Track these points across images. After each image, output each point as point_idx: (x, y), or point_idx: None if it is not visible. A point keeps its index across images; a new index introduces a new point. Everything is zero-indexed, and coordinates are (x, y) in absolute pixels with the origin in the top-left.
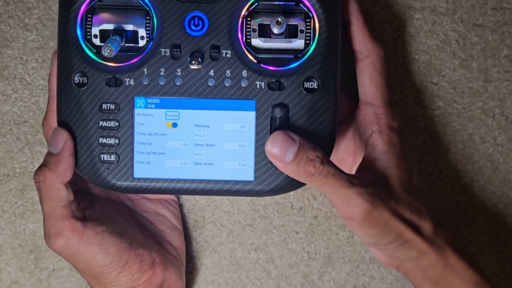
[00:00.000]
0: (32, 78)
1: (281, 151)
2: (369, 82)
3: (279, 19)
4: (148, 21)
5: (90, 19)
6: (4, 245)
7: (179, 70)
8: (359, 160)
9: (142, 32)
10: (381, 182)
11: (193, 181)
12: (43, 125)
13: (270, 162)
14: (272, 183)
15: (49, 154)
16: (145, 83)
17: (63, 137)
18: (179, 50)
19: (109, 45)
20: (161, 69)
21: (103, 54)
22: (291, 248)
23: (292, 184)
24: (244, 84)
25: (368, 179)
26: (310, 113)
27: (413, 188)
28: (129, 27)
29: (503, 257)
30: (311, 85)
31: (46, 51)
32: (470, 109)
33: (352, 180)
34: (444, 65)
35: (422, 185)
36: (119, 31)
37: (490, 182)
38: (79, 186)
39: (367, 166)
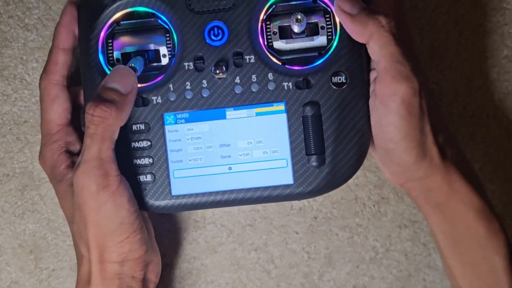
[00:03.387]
0: (32, 78)
1: (351, 5)
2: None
3: (299, 16)
4: (168, 38)
5: (111, 44)
6: (4, 245)
7: (204, 81)
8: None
9: (163, 50)
10: None
11: (232, 191)
12: (42, 77)
13: (308, 162)
14: (312, 183)
15: (114, 91)
16: (173, 99)
17: (134, 80)
18: (202, 61)
19: (133, 64)
20: (187, 83)
21: None
22: (291, 248)
23: (332, 183)
24: (271, 87)
25: None
26: (341, 107)
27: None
28: (150, 46)
29: None
30: (339, 79)
31: (46, 51)
32: (470, 109)
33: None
34: (444, 65)
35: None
36: (140, 52)
37: (490, 182)
38: None
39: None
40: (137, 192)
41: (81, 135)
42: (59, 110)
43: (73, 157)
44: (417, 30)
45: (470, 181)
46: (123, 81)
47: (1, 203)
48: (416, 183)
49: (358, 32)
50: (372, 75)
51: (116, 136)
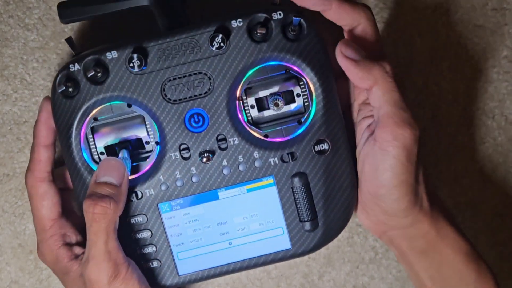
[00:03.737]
0: (33, 78)
1: (354, 51)
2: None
3: (278, 102)
4: (148, 126)
5: (92, 139)
6: (4, 245)
7: (193, 168)
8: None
9: (145, 138)
10: None
11: (236, 263)
12: (27, 176)
13: (303, 228)
14: (310, 244)
15: (108, 184)
16: (164, 189)
17: (124, 169)
18: (187, 150)
19: (123, 160)
20: (176, 172)
21: None
22: None
23: (327, 240)
24: (258, 164)
25: None
26: (327, 172)
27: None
28: (132, 136)
29: (503, 257)
30: (322, 146)
31: (46, 51)
32: (470, 109)
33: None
34: (444, 65)
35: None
36: (123, 143)
37: (490, 182)
38: None
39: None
40: (147, 278)
41: (74, 221)
42: (50, 205)
43: (72, 248)
44: (417, 31)
45: (454, 225)
46: (114, 173)
47: (1, 203)
48: (399, 232)
49: (362, 77)
50: (365, 121)
51: (117, 225)
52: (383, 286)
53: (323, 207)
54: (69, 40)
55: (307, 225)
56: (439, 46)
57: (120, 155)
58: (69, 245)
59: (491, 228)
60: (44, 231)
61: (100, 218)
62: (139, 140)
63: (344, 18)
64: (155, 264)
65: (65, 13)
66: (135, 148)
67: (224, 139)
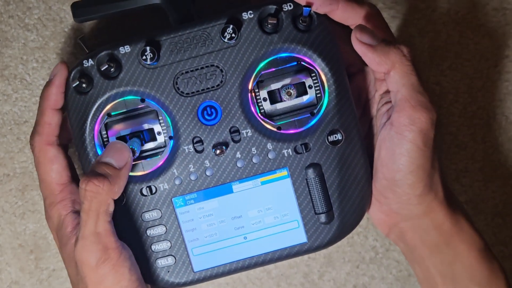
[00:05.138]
0: (33, 78)
1: (370, 36)
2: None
3: (290, 90)
4: (161, 119)
5: (106, 134)
6: (4, 245)
7: (206, 161)
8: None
9: (157, 128)
10: None
11: (251, 258)
12: (35, 140)
13: (318, 220)
14: (326, 237)
15: (107, 165)
16: (178, 183)
17: (129, 154)
18: (201, 143)
19: (131, 146)
20: (190, 165)
21: None
22: None
23: (343, 233)
24: (271, 156)
25: None
26: (341, 163)
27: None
28: (144, 127)
29: (503, 257)
30: (335, 137)
31: (46, 51)
32: (470, 109)
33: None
34: (444, 65)
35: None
36: (135, 134)
37: (490, 182)
38: None
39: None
40: (160, 275)
41: None
42: (59, 169)
43: (79, 218)
44: (417, 31)
45: (470, 220)
46: (116, 155)
47: (1, 203)
48: (412, 223)
49: (379, 62)
50: (384, 108)
51: (111, 208)
52: (384, 286)
53: (338, 199)
54: (82, 39)
55: (323, 217)
56: (439, 46)
57: (129, 143)
58: (77, 213)
59: (491, 228)
60: (53, 195)
61: (92, 197)
62: (151, 130)
63: (352, 17)
64: (170, 260)
65: (79, 12)
66: (147, 140)
67: (237, 131)
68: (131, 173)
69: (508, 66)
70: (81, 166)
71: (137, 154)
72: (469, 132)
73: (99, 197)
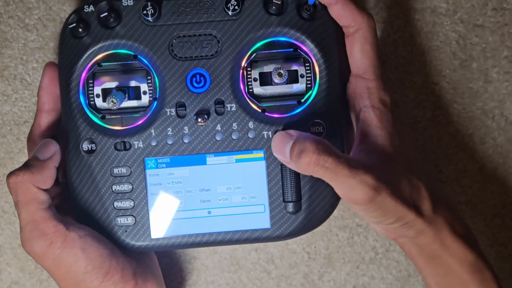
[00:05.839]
0: (33, 79)
1: (281, 151)
2: (360, 55)
3: (281, 71)
4: (149, 80)
5: (91, 84)
6: (4, 246)
7: (186, 128)
8: (348, 132)
9: (144, 87)
10: (380, 162)
11: (211, 234)
12: (28, 143)
13: (285, 209)
14: (289, 227)
15: (33, 158)
16: (154, 144)
17: (55, 148)
18: (184, 108)
19: (114, 96)
20: (168, 129)
21: (108, 106)
22: (291, 248)
23: (307, 227)
24: (251, 135)
25: (368, 161)
26: None
27: (411, 163)
28: (131, 83)
29: (502, 257)
30: (317, 129)
31: (46, 52)
32: (470, 109)
33: (354, 166)
34: (444, 65)
35: (418, 157)
36: (121, 88)
37: (490, 182)
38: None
39: (363, 142)
40: (117, 234)
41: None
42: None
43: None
44: (416, 31)
45: (461, 235)
46: (42, 149)
47: (1, 203)
48: (407, 240)
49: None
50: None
51: (42, 197)
52: (383, 286)
53: (309, 191)
54: None
55: (290, 206)
56: (438, 46)
57: (113, 93)
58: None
59: (490, 228)
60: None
61: (15, 188)
62: (137, 88)
63: (347, 17)
64: (129, 220)
65: None
66: (132, 98)
67: (222, 103)
68: (108, 126)
69: (508, 66)
70: (62, 110)
71: (118, 105)
72: (468, 133)
73: (22, 186)
